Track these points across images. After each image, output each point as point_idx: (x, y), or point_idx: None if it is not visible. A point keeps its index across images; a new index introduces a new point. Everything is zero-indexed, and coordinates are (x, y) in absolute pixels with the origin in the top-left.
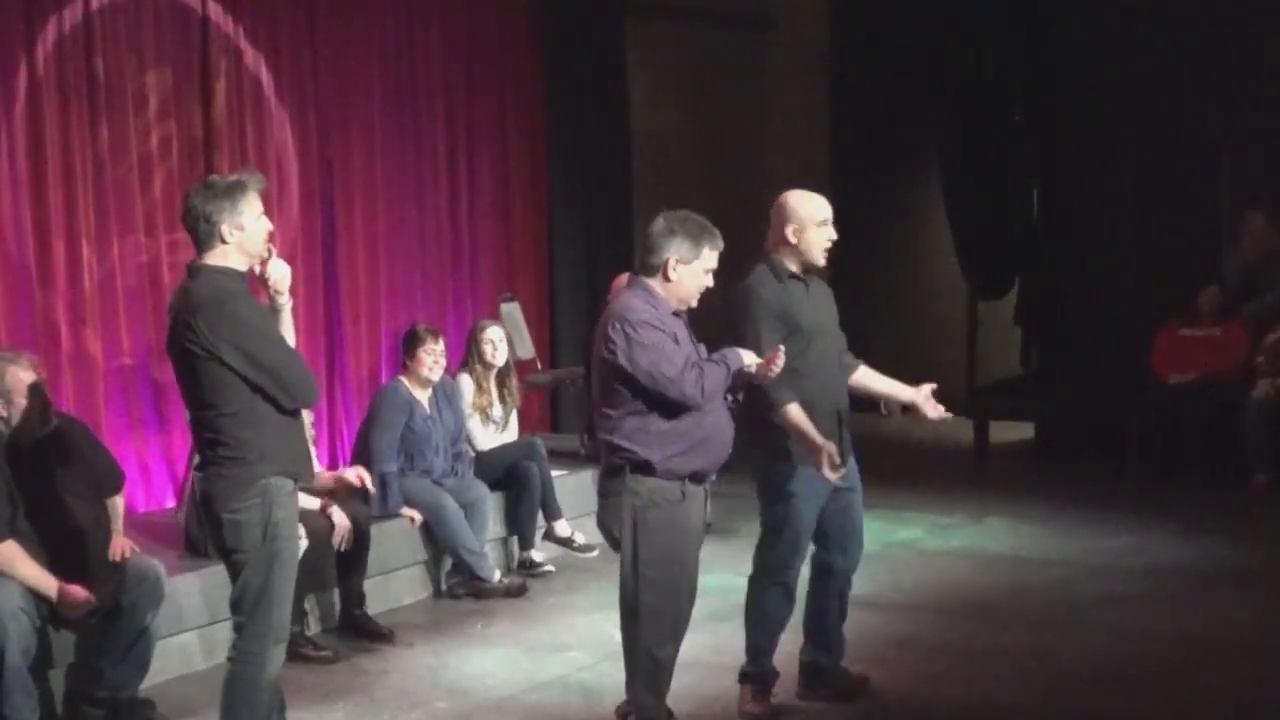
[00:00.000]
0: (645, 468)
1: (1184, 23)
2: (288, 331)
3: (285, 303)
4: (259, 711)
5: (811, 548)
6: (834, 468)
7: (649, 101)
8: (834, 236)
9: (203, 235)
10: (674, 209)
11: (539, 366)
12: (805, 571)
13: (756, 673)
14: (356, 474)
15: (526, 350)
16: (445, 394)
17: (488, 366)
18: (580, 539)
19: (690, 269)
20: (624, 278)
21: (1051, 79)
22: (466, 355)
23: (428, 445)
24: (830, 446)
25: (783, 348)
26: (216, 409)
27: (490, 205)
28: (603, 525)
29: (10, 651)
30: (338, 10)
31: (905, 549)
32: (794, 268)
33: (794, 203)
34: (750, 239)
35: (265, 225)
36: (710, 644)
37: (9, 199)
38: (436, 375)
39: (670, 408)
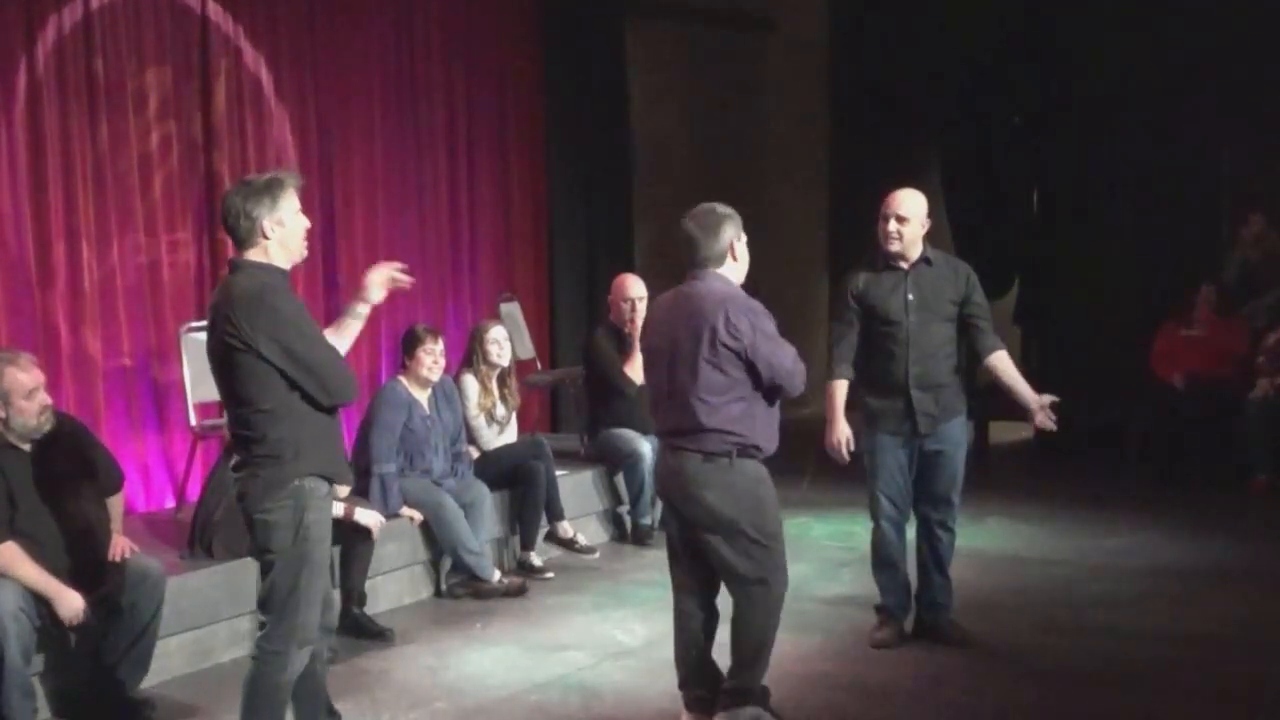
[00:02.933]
0: (754, 450)
1: (1184, 23)
2: (345, 339)
3: (363, 311)
4: (279, 711)
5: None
6: (837, 449)
7: (649, 101)
8: (892, 230)
9: (243, 232)
10: (673, 209)
11: (539, 366)
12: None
13: (879, 606)
14: (377, 522)
15: (526, 350)
16: (444, 394)
17: (492, 367)
18: (582, 540)
19: (744, 244)
20: (625, 277)
21: (1052, 79)
22: (470, 356)
23: (427, 445)
24: (841, 434)
25: None
26: (254, 405)
27: (490, 205)
28: (711, 511)
29: (10, 651)
30: (338, 10)
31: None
32: (891, 259)
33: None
34: (750, 238)
35: (304, 222)
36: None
37: (9, 199)
38: (436, 375)
39: (773, 395)
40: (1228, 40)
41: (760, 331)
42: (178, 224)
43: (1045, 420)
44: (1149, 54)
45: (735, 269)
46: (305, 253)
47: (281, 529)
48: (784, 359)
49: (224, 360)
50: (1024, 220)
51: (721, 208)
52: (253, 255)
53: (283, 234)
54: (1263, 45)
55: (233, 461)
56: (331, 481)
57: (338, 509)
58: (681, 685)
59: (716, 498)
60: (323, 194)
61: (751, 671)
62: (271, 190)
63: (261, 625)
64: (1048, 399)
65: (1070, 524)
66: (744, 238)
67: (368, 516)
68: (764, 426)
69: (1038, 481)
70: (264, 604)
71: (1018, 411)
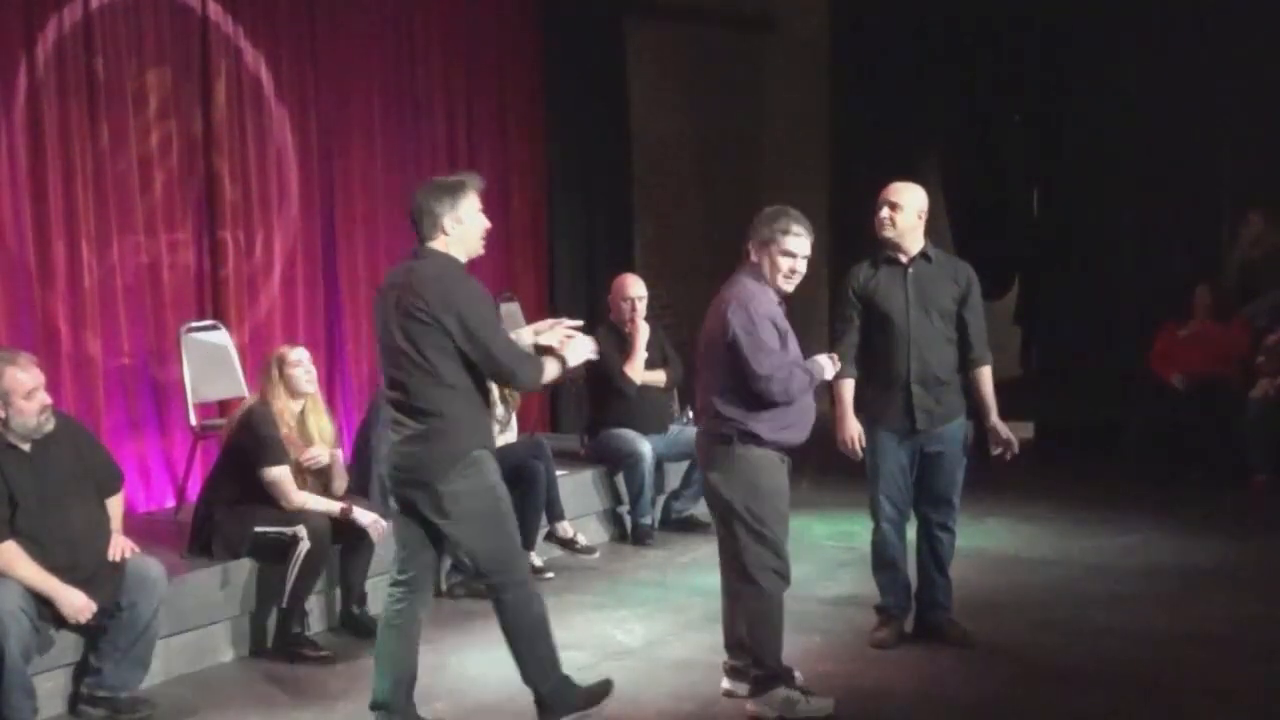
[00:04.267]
0: (755, 439)
1: (1184, 23)
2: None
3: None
4: (549, 637)
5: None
6: (848, 446)
7: (649, 101)
8: (884, 216)
9: (426, 228)
10: (673, 209)
11: None
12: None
13: (879, 606)
14: (374, 521)
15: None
16: None
17: None
18: (582, 540)
19: (780, 248)
20: (625, 277)
21: (1052, 79)
22: None
23: None
24: (851, 430)
25: (834, 357)
26: (433, 378)
27: (490, 206)
28: (714, 492)
29: (10, 651)
30: (338, 10)
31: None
32: (889, 252)
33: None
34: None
35: (483, 222)
36: (711, 644)
37: (9, 199)
38: None
39: (750, 393)
40: (1228, 40)
41: (747, 332)
42: (178, 224)
43: (997, 450)
44: (1149, 54)
45: (771, 264)
46: (482, 251)
47: (470, 496)
48: (760, 363)
49: (406, 334)
50: (1024, 220)
51: (792, 212)
52: (434, 245)
53: (461, 231)
54: (1263, 45)
55: (397, 438)
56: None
57: (335, 508)
58: (726, 648)
59: (717, 478)
60: (323, 194)
61: (763, 659)
62: (454, 191)
63: (488, 584)
64: (1005, 435)
65: (1070, 524)
66: (786, 235)
67: (365, 516)
68: (769, 418)
69: (1038, 481)
70: (487, 566)
71: (1018, 412)
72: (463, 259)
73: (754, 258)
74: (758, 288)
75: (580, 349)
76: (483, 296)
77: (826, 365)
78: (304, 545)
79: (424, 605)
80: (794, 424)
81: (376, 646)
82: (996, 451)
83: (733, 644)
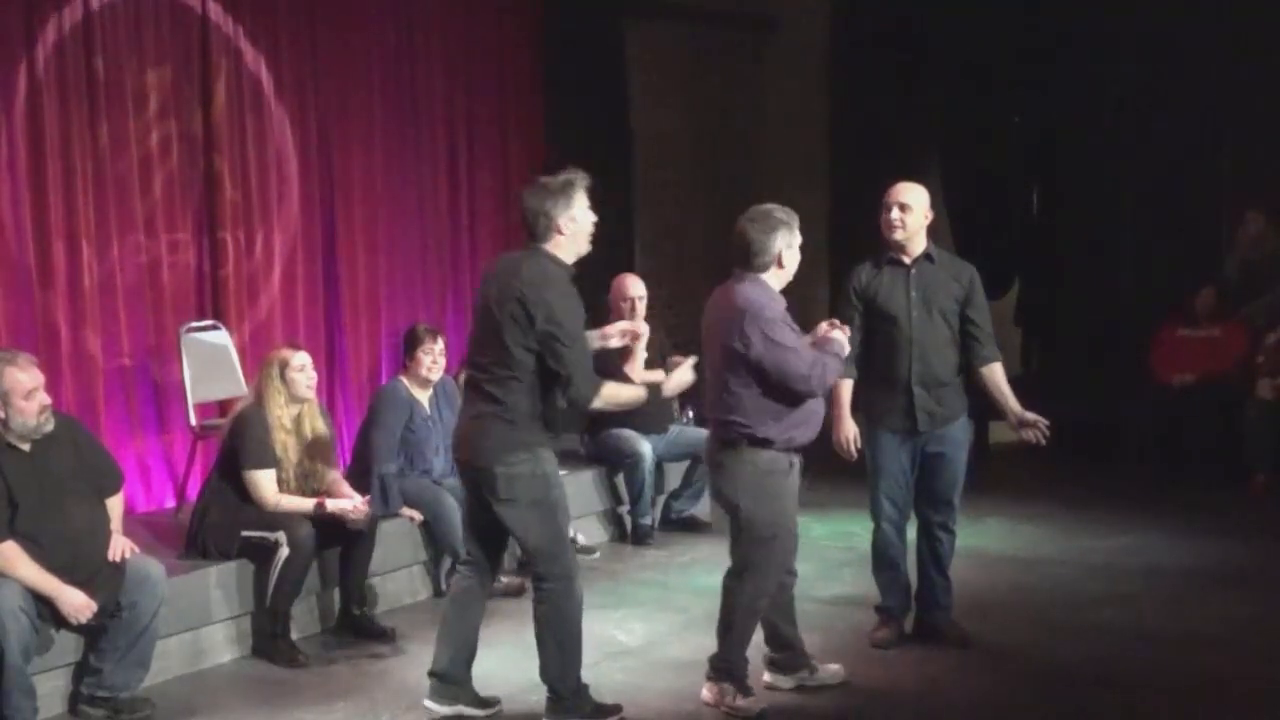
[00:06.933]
0: (764, 442)
1: (1184, 23)
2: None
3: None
4: (579, 636)
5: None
6: (843, 446)
7: (649, 101)
8: (894, 218)
9: (541, 229)
10: (673, 209)
11: None
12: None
13: (879, 606)
14: (353, 507)
15: None
16: (445, 394)
17: None
18: (582, 540)
19: (793, 252)
20: (625, 277)
21: (1052, 79)
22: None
23: (427, 446)
24: (848, 431)
25: (837, 323)
26: (510, 371)
27: (490, 205)
28: (720, 493)
29: (10, 651)
30: (338, 10)
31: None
32: (894, 253)
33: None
34: None
35: (592, 218)
36: (710, 644)
37: (9, 199)
38: (436, 375)
39: (789, 395)
40: (1228, 40)
41: (767, 340)
42: (178, 224)
43: (1031, 435)
44: (1149, 54)
45: (778, 276)
46: (590, 248)
47: (525, 480)
48: (797, 365)
49: (497, 320)
50: (1024, 220)
51: (780, 212)
52: (546, 246)
53: (575, 229)
54: (1263, 45)
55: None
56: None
57: (309, 505)
58: (766, 641)
59: (724, 481)
60: (323, 194)
61: (730, 651)
62: (565, 190)
63: (536, 576)
64: (1032, 416)
65: (1070, 524)
66: (795, 244)
67: (342, 504)
68: (778, 420)
69: (1038, 481)
70: (534, 552)
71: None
72: (571, 259)
73: (757, 273)
74: (763, 294)
75: (681, 378)
76: (576, 308)
77: (840, 338)
78: (283, 552)
79: (486, 585)
80: (803, 423)
81: (440, 620)
82: (1029, 435)
83: (771, 636)
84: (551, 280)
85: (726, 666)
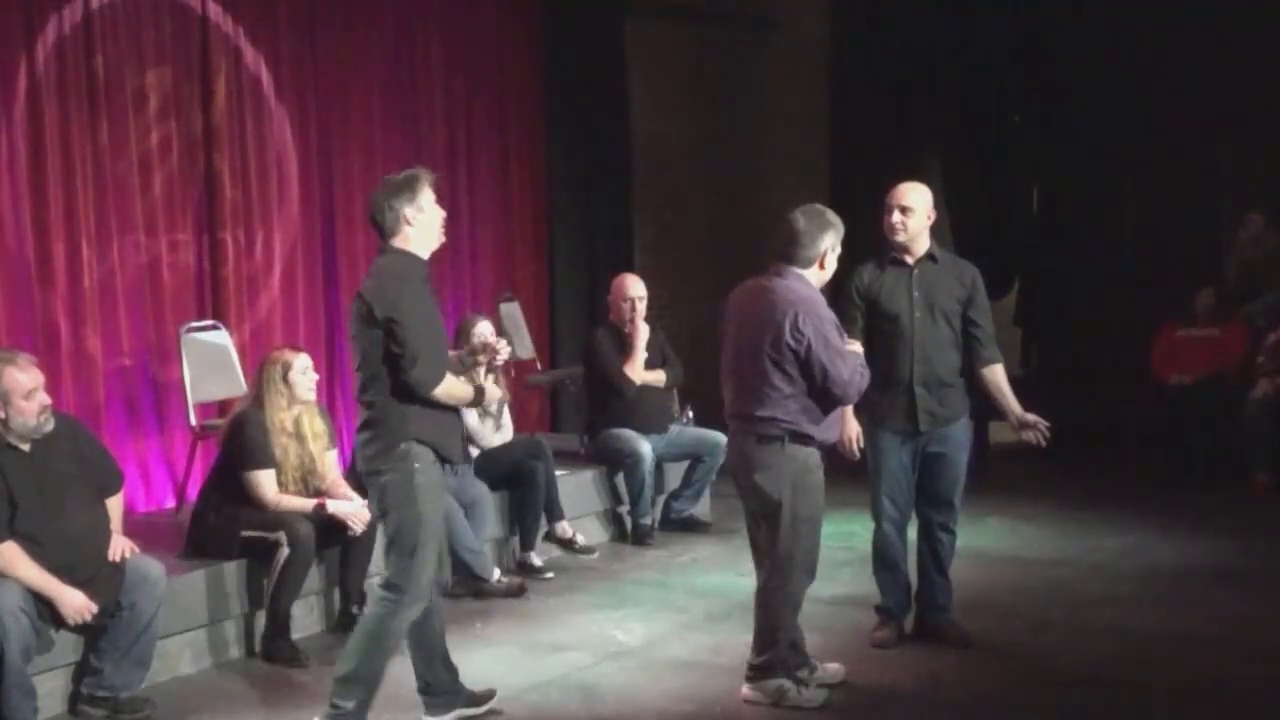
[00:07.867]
0: (805, 439)
1: (1184, 23)
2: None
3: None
4: (382, 655)
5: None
6: (846, 446)
7: (649, 102)
8: (896, 220)
9: (389, 223)
10: (673, 209)
11: (539, 366)
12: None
13: (879, 606)
14: (355, 511)
15: (526, 350)
16: None
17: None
18: (581, 540)
19: (835, 256)
20: (625, 277)
21: (1052, 79)
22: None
23: None
24: (851, 430)
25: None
26: (370, 372)
27: (490, 205)
28: (757, 490)
29: (10, 651)
30: (338, 10)
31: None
32: (896, 253)
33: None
34: (749, 238)
35: (440, 211)
36: (710, 644)
37: (9, 199)
38: None
39: (824, 397)
40: (1227, 40)
41: (823, 339)
42: (178, 224)
43: (1031, 436)
44: (1149, 54)
45: (818, 276)
46: (443, 239)
47: (394, 489)
48: (840, 370)
49: (357, 331)
50: (1024, 220)
51: (833, 215)
52: (395, 243)
53: (422, 220)
54: (1262, 45)
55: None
56: (437, 451)
57: (309, 505)
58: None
59: (765, 478)
60: (323, 194)
61: (765, 649)
62: (411, 184)
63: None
64: (1032, 417)
65: (1070, 524)
66: (838, 250)
67: (343, 506)
68: (818, 418)
69: (1038, 481)
70: (387, 558)
71: None
72: (424, 253)
73: (801, 268)
74: (812, 291)
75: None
76: (418, 293)
77: (859, 352)
78: (284, 552)
79: (437, 591)
80: (832, 425)
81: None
82: (1029, 437)
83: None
84: (394, 273)
85: (774, 664)
